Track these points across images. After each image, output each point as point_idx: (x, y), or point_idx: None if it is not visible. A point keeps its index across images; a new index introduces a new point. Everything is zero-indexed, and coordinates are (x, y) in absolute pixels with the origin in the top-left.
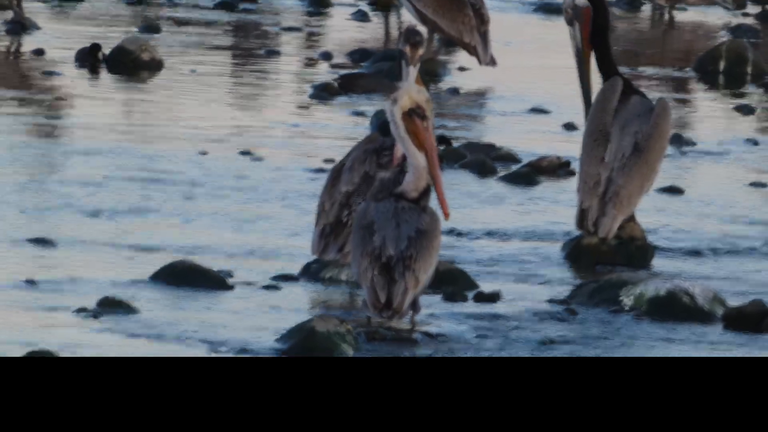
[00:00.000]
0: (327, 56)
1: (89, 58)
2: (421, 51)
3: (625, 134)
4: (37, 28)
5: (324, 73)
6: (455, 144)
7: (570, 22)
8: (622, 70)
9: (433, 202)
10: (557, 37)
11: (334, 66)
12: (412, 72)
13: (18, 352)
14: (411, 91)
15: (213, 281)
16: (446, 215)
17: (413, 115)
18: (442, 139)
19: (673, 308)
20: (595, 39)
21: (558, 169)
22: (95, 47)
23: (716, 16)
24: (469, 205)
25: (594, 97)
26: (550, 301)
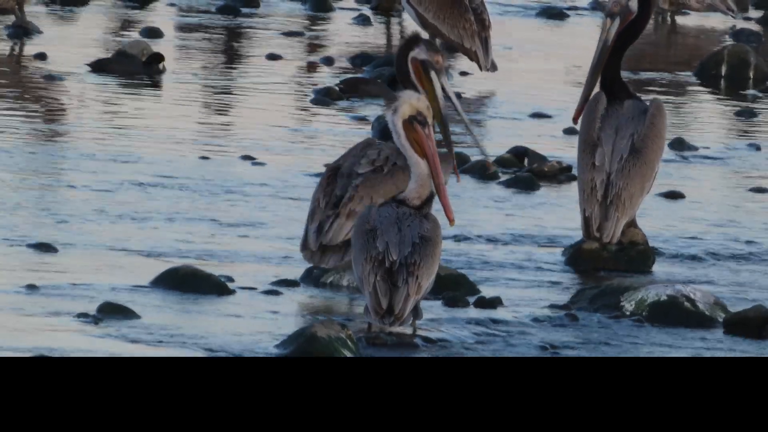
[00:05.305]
0: (329, 61)
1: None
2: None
3: (620, 137)
4: (39, 32)
5: (325, 77)
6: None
7: (611, 15)
8: (624, 74)
9: (435, 207)
10: (558, 42)
11: (335, 70)
12: (442, 79)
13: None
14: (411, 98)
15: (214, 286)
16: (451, 221)
17: (414, 122)
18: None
19: (674, 313)
20: (620, 41)
21: (559, 173)
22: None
23: (718, 21)
24: (470, 210)
25: (591, 94)
26: (551, 306)
